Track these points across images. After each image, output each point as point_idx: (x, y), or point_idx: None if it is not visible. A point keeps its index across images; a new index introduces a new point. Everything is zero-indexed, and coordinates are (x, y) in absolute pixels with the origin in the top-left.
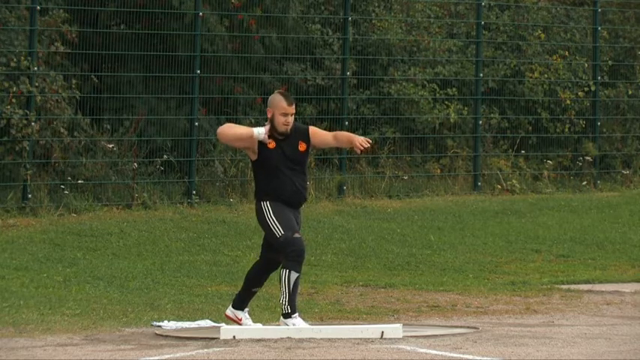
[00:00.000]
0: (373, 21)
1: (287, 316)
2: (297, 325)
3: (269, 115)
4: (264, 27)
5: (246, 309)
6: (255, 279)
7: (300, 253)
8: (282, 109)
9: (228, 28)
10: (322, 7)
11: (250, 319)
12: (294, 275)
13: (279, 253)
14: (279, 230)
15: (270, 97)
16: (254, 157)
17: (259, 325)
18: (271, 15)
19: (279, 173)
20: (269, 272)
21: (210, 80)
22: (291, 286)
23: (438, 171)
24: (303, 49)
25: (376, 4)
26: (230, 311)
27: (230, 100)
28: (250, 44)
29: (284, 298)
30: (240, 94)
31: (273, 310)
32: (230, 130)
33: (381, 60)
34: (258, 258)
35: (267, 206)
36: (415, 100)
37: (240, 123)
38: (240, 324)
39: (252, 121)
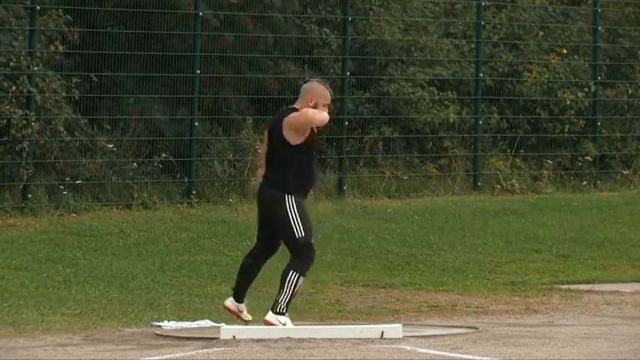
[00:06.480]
0: (370, 20)
1: (280, 313)
2: (287, 325)
3: (311, 104)
4: (260, 27)
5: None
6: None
7: (313, 261)
8: (326, 99)
9: (217, 28)
10: (319, 7)
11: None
12: (301, 280)
13: (292, 253)
14: (300, 231)
15: (312, 85)
16: (300, 139)
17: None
18: (268, 15)
19: (312, 160)
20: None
21: (205, 81)
22: (296, 290)
23: (435, 171)
24: (301, 48)
25: (373, 2)
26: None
27: (221, 101)
28: (246, 44)
29: (283, 298)
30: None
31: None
32: (318, 115)
33: (379, 60)
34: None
35: (291, 201)
36: (414, 101)
37: (238, 123)
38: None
39: (251, 121)
